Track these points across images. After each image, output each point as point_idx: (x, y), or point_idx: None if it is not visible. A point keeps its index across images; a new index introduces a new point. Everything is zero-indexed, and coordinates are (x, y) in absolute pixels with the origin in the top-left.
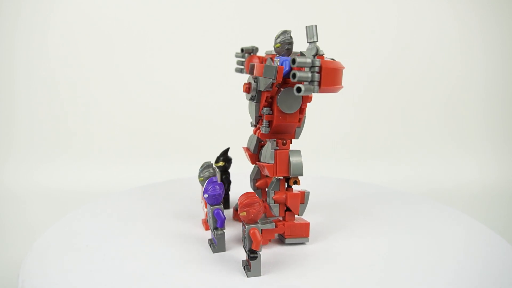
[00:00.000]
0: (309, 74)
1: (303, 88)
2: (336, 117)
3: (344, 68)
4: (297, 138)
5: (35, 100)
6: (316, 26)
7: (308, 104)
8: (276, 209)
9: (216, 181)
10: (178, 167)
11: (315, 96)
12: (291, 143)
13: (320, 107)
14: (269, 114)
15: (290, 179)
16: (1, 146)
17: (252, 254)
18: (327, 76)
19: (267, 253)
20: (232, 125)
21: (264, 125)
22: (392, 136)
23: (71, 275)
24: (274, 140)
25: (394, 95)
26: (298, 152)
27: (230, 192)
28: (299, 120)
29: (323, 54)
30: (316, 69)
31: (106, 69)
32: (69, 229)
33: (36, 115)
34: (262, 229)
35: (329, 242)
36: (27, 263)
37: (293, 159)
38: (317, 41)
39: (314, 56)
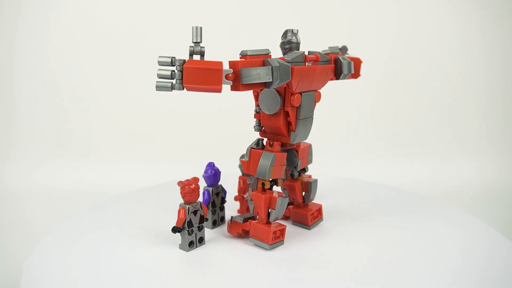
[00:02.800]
0: (168, 72)
1: (156, 85)
2: (337, 118)
3: (219, 69)
4: (292, 142)
5: (35, 100)
6: (201, 28)
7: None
8: (251, 206)
9: (213, 166)
10: (180, 168)
11: (322, 96)
12: (285, 146)
13: (321, 108)
14: (257, 112)
15: (259, 180)
16: (2, 146)
17: (174, 228)
18: (189, 75)
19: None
20: (234, 126)
21: (255, 123)
22: (392, 136)
23: (73, 278)
24: (261, 139)
25: (393, 95)
26: (269, 155)
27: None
28: (291, 124)
29: (255, 53)
30: (179, 67)
31: (107, 69)
32: (71, 231)
33: (36, 115)
34: (233, 220)
35: (326, 242)
36: (28, 266)
37: (261, 161)
38: (201, 42)
39: (191, 55)
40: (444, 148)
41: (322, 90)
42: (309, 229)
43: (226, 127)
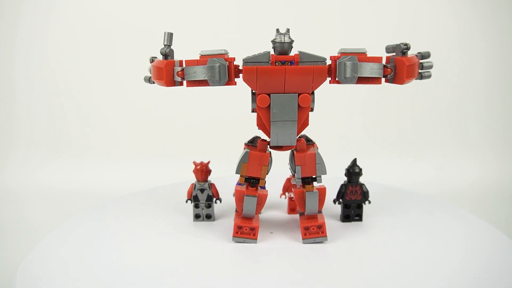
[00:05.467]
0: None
1: (143, 77)
2: (338, 118)
3: (160, 66)
4: (271, 144)
5: (36, 100)
6: (172, 34)
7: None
8: None
9: None
10: (182, 169)
11: (319, 96)
12: (269, 145)
13: (322, 108)
14: None
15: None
16: (2, 146)
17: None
18: (152, 71)
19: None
20: (235, 127)
21: None
22: (394, 136)
23: (71, 278)
24: (257, 137)
25: (393, 95)
26: (244, 152)
27: None
28: (268, 125)
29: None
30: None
31: (107, 69)
32: (71, 232)
33: (37, 114)
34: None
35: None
36: (26, 266)
37: (239, 157)
38: (171, 45)
39: (162, 54)
40: (446, 148)
41: (323, 92)
42: (302, 242)
43: (229, 129)
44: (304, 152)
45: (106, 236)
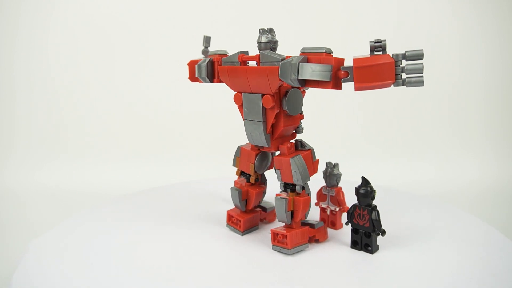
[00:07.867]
0: None
1: None
2: (336, 118)
3: (187, 64)
4: (248, 141)
5: (36, 99)
6: (210, 37)
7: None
8: None
9: None
10: (182, 169)
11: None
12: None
13: (322, 107)
14: None
15: None
16: (2, 146)
17: None
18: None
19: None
20: (238, 126)
21: None
22: (393, 136)
23: (69, 278)
24: None
25: (393, 96)
26: (237, 147)
27: None
28: None
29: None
30: None
31: (107, 69)
32: (70, 232)
33: (37, 114)
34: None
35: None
36: (21, 267)
37: None
38: (208, 46)
39: (202, 54)
40: (446, 148)
41: (323, 91)
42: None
43: (229, 128)
44: (281, 157)
45: (105, 236)
